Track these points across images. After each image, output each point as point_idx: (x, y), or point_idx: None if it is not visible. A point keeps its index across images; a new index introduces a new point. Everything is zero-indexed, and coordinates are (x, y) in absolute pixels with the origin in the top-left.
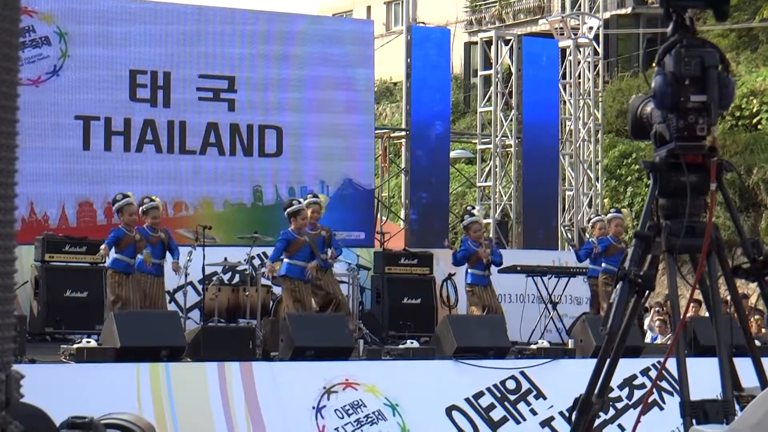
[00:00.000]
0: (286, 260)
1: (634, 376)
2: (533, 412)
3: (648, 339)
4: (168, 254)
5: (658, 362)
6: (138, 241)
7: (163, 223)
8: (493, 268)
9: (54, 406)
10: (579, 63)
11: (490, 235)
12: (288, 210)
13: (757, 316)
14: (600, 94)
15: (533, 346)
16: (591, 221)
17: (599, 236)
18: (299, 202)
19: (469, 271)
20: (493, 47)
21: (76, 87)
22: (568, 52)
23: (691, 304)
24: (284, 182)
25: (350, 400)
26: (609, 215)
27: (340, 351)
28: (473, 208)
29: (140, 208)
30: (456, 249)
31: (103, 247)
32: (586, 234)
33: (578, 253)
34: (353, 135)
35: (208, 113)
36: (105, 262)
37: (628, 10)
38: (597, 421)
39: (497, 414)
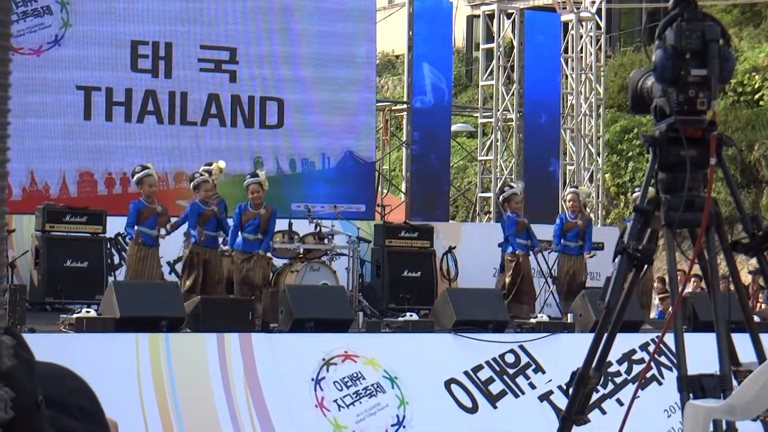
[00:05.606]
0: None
1: (633, 351)
2: (532, 386)
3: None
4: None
5: (657, 337)
6: (160, 214)
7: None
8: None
9: None
10: (581, 37)
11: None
12: (192, 183)
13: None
14: (602, 69)
15: (532, 320)
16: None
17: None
18: (201, 175)
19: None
20: (495, 21)
21: (78, 57)
22: (570, 26)
23: (692, 279)
24: (285, 154)
25: (349, 372)
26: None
27: (340, 323)
28: (512, 181)
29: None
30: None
31: (170, 224)
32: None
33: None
34: (355, 108)
35: (210, 84)
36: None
37: None
38: (595, 395)
39: (496, 387)
